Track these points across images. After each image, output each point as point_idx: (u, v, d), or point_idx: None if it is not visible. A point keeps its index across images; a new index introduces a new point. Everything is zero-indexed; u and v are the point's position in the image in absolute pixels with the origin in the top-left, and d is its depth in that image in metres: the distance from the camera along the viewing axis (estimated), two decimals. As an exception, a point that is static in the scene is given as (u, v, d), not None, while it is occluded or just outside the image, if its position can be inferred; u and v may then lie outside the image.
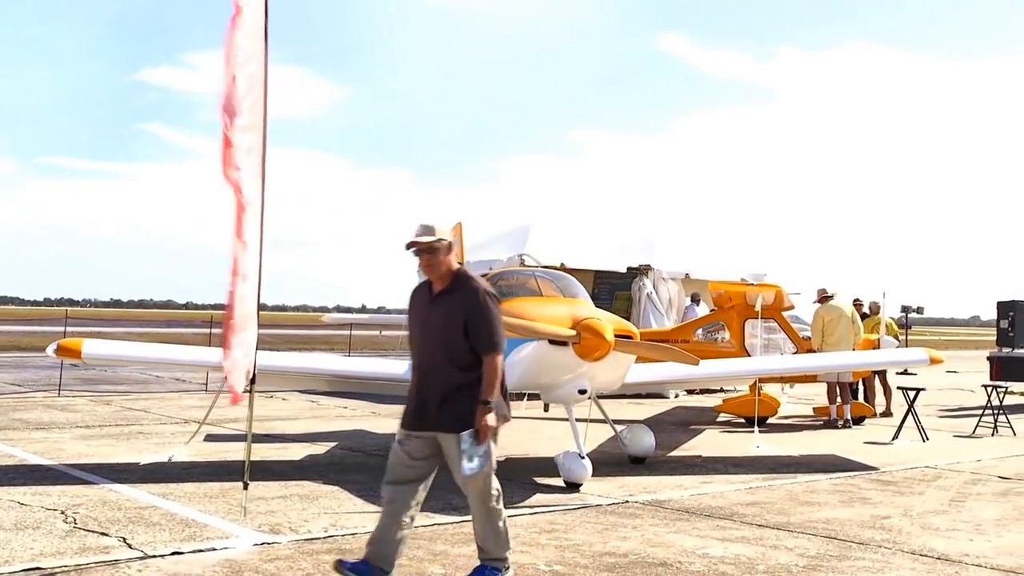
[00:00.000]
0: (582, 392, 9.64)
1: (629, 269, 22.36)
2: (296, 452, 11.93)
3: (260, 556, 6.64)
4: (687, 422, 16.55)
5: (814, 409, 17.07)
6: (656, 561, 6.73)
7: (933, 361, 12.43)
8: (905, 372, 33.13)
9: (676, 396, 21.81)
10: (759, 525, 8.01)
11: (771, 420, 16.18)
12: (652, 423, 16.42)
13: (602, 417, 11.66)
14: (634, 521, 8.09)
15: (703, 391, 22.11)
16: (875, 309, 18.42)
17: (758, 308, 14.64)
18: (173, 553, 6.64)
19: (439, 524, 7.80)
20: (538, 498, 9.03)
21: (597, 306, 25.86)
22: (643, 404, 19.92)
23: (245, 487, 7.25)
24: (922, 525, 8.13)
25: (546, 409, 11.66)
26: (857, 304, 18.79)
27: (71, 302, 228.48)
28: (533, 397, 11.55)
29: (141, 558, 6.50)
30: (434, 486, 9.37)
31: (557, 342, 9.35)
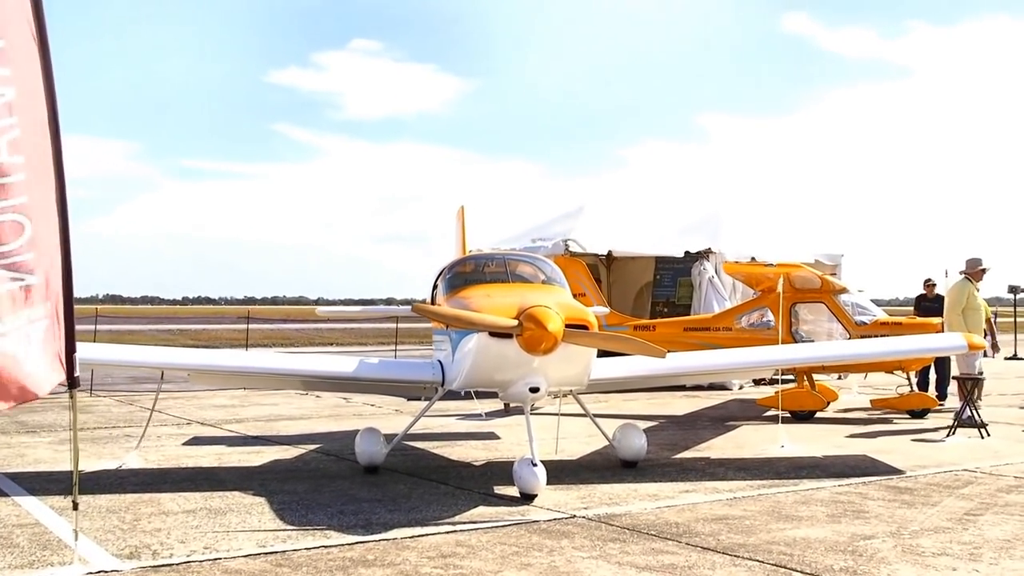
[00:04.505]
0: (534, 390, 8.47)
1: (687, 253, 20.92)
2: (265, 456, 11.11)
3: (77, 589, 5.77)
4: (729, 417, 15.13)
5: (871, 401, 15.40)
6: (535, 598, 5.58)
7: (972, 347, 10.78)
8: (1015, 357, 30.82)
9: (740, 388, 20.31)
10: (704, 548, 6.74)
11: (822, 414, 14.66)
12: (690, 418, 15.13)
13: (615, 414, 10.47)
14: (557, 543, 6.92)
15: (771, 381, 20.49)
16: None
17: (779, 291, 13.11)
18: (-18, 585, 5.84)
19: (327, 546, 6.78)
20: (474, 512, 7.93)
21: (659, 293, 24.69)
22: (698, 396, 18.58)
23: (75, 507, 6.37)
24: (905, 548, 6.72)
25: (506, 408, 10.56)
26: (929, 284, 17.09)
27: (208, 300, 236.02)
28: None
29: (-58, 591, 5.74)
30: (357, 498, 8.52)
31: (499, 334, 8.24)
